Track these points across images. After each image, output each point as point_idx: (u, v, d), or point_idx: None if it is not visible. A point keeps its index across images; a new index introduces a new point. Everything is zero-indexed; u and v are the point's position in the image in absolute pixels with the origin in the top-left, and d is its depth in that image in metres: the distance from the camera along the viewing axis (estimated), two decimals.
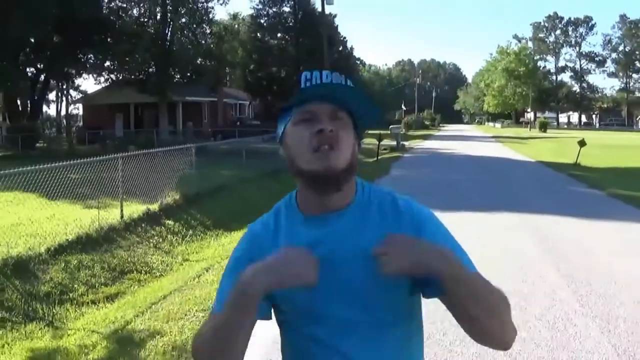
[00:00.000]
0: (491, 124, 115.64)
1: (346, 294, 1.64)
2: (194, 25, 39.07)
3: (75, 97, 61.99)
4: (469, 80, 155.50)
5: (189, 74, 38.78)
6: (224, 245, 10.78)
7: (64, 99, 65.42)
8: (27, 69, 39.65)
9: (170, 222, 12.15)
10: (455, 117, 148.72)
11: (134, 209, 12.12)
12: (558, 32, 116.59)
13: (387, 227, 1.67)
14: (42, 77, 41.79)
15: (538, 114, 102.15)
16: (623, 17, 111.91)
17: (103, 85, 43.67)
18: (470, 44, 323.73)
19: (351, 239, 1.66)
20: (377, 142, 28.44)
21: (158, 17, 38.43)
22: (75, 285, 8.50)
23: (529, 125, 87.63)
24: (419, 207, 1.76)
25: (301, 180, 1.69)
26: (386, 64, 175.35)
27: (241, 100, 59.06)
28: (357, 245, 1.64)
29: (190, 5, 38.63)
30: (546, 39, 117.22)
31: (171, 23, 37.97)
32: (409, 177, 21.20)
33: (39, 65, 40.14)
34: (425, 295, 1.68)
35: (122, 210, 11.62)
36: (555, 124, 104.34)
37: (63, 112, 60.99)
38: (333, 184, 1.63)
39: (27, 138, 33.36)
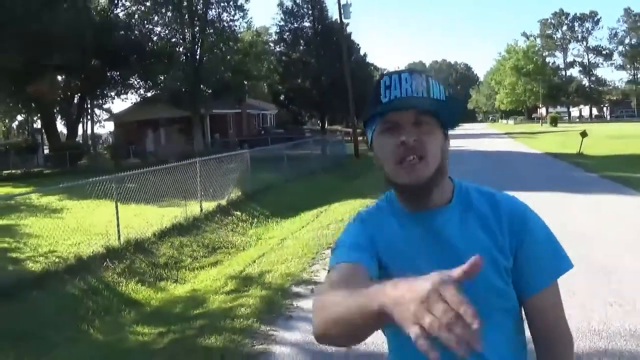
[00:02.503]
0: (504, 121, 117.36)
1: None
2: (222, 44, 40.95)
3: (99, 116, 64.63)
4: (481, 79, 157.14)
5: (218, 89, 40.57)
6: (287, 227, 13.45)
7: (89, 117, 67.97)
8: (65, 92, 42.39)
9: (238, 213, 14.90)
10: (469, 116, 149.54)
11: (207, 205, 14.84)
12: (565, 28, 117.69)
13: (489, 223, 1.64)
14: (77, 98, 44.43)
15: (550, 109, 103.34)
16: (627, 11, 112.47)
17: (133, 103, 45.96)
18: (481, 44, 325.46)
19: (458, 237, 1.62)
20: None
21: (187, 37, 40.48)
22: (183, 257, 11.27)
23: (540, 121, 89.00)
24: (518, 201, 1.72)
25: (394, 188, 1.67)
26: (398, 67, 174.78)
27: (263, 111, 60.64)
28: (464, 243, 1.60)
29: (217, 25, 40.82)
30: (553, 35, 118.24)
31: (199, 42, 40.12)
32: None
33: (73, 85, 42.74)
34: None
35: (201, 205, 14.42)
36: (567, 118, 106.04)
37: (89, 132, 63.46)
38: (422, 194, 1.60)
39: (72, 156, 36.06)
